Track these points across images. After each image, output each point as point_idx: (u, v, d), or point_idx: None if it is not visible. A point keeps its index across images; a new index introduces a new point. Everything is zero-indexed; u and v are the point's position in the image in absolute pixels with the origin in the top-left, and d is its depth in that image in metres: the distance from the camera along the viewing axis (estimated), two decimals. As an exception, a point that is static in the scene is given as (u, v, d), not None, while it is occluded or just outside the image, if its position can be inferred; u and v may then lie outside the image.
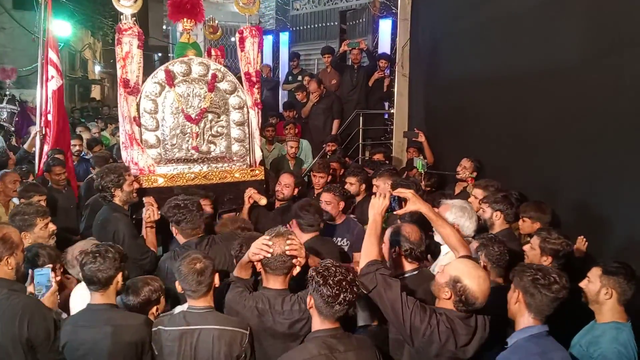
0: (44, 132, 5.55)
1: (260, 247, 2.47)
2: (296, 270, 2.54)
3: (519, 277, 2.34)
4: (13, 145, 7.49)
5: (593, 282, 2.54)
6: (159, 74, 4.04)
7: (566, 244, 3.08)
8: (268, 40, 10.39)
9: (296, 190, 4.42)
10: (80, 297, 2.73)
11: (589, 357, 2.46)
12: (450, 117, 6.18)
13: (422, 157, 5.93)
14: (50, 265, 2.70)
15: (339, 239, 3.86)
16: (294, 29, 10.32)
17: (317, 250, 3.01)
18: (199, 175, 4.17)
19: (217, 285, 2.50)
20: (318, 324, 2.22)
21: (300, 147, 6.68)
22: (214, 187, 4.16)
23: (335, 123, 7.71)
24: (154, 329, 2.44)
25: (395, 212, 2.78)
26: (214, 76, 4.17)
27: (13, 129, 8.65)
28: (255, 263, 2.54)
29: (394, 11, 7.86)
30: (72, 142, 6.40)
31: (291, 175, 4.51)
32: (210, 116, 4.20)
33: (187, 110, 4.10)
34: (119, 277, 2.46)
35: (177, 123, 4.10)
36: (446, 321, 2.22)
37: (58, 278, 2.78)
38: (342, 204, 3.96)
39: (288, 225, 3.36)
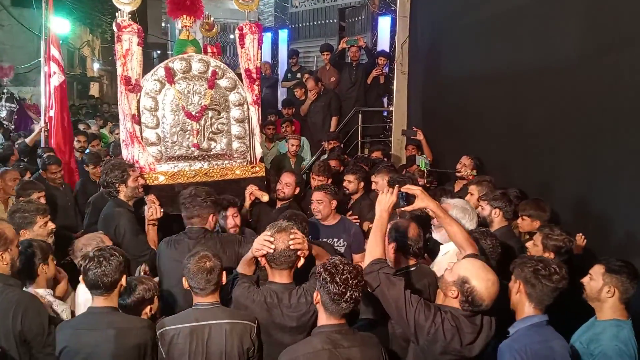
0: (47, 128, 5.59)
1: (263, 244, 2.48)
2: (300, 262, 2.57)
3: (519, 269, 2.38)
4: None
5: (595, 280, 2.54)
6: (159, 71, 4.04)
7: (568, 240, 3.11)
8: (267, 37, 10.36)
9: (297, 190, 4.37)
10: (86, 293, 2.70)
11: (589, 354, 2.47)
12: (449, 115, 6.18)
13: (424, 156, 5.93)
14: None
15: (335, 239, 3.81)
16: (293, 26, 10.30)
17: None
18: (199, 172, 4.17)
19: (224, 283, 2.52)
20: (324, 319, 2.24)
21: (301, 145, 6.67)
22: (214, 184, 4.15)
23: (334, 120, 7.71)
24: (158, 332, 2.43)
25: (403, 209, 2.77)
26: (214, 73, 4.17)
27: (13, 126, 8.63)
28: (259, 258, 2.55)
29: (393, 8, 7.85)
30: (77, 138, 6.44)
31: (292, 174, 4.48)
32: (210, 113, 4.20)
33: (188, 108, 4.09)
34: (123, 280, 2.43)
35: (177, 120, 4.10)
36: (451, 319, 2.21)
37: (51, 272, 2.80)
38: (334, 203, 3.89)
39: None
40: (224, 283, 2.51)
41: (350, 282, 2.15)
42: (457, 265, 2.31)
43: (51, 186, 4.84)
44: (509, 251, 3.17)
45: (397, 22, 7.53)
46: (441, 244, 3.21)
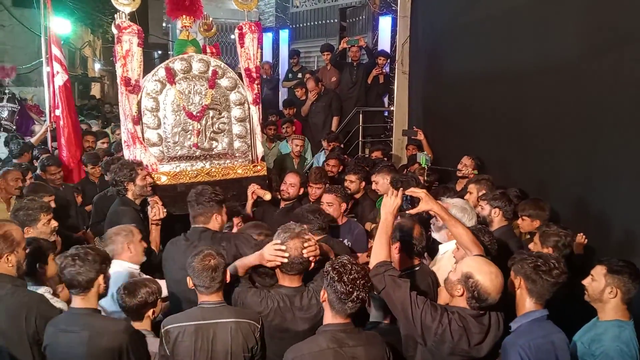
0: (53, 127, 5.61)
1: (276, 254, 2.48)
2: (311, 266, 2.58)
3: (519, 265, 2.40)
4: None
5: (597, 281, 2.55)
6: (160, 71, 4.04)
7: (565, 235, 3.11)
8: (268, 37, 10.38)
9: (302, 190, 4.34)
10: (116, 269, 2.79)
11: (590, 354, 2.48)
12: (450, 114, 6.18)
13: (425, 152, 5.94)
14: None
15: (341, 239, 3.82)
16: (294, 26, 10.31)
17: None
18: (201, 172, 4.18)
19: (227, 282, 2.52)
20: (329, 317, 2.25)
21: (305, 146, 6.65)
22: (216, 183, 4.16)
23: (335, 120, 7.71)
24: (163, 329, 2.42)
25: (407, 212, 2.79)
26: (215, 73, 4.17)
27: (14, 127, 8.64)
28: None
29: (393, 8, 7.86)
30: (85, 137, 6.50)
31: (297, 174, 4.45)
32: (211, 113, 4.21)
33: (189, 108, 4.11)
34: (100, 279, 2.41)
35: (178, 120, 4.10)
36: (459, 320, 2.22)
37: (52, 271, 2.80)
38: (343, 206, 3.90)
39: None
40: (228, 281, 2.51)
41: (358, 282, 2.16)
42: (459, 264, 2.34)
43: (49, 187, 4.84)
44: (509, 251, 3.16)
45: (397, 22, 7.54)
46: (440, 243, 3.22)
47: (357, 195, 4.61)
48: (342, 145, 6.75)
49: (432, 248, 3.28)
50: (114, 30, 3.94)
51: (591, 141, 3.95)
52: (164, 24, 19.21)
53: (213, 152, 4.26)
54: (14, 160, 5.52)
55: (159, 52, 18.81)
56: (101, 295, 2.49)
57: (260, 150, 4.46)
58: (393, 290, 2.30)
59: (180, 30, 4.45)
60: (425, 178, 5.24)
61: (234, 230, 3.54)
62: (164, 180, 4.04)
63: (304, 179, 4.48)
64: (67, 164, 5.66)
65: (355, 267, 2.21)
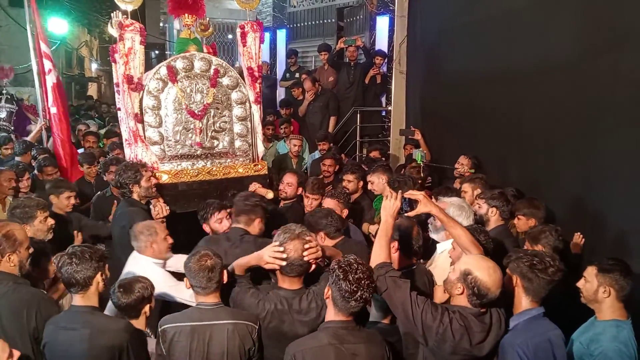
0: (48, 125, 5.61)
1: (274, 257, 2.46)
2: (312, 267, 2.57)
3: (515, 264, 2.41)
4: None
5: (590, 282, 2.55)
6: (162, 70, 4.05)
7: (549, 229, 3.13)
8: (265, 37, 10.38)
9: (299, 190, 4.34)
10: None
11: (589, 355, 2.48)
12: (447, 114, 6.20)
13: (421, 149, 5.96)
14: None
15: None
16: (291, 26, 10.31)
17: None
18: (202, 171, 4.19)
19: (225, 282, 2.51)
20: (332, 314, 2.26)
21: (303, 146, 6.65)
22: (218, 182, 4.18)
23: (332, 120, 7.73)
24: (160, 329, 2.43)
25: (406, 214, 2.81)
26: (217, 71, 4.18)
27: (12, 127, 8.62)
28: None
29: (391, 8, 7.87)
30: (86, 138, 6.56)
31: (294, 174, 4.47)
32: (213, 112, 4.21)
33: (190, 106, 4.11)
34: (99, 277, 2.42)
35: (180, 119, 4.11)
36: (459, 319, 2.23)
37: (52, 273, 2.84)
38: (345, 212, 3.79)
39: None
40: (225, 282, 2.51)
41: (363, 282, 2.18)
42: (458, 263, 2.37)
43: (73, 184, 4.83)
44: (505, 250, 3.18)
45: (395, 22, 7.56)
46: (438, 242, 3.25)
47: (355, 195, 4.60)
48: (332, 145, 6.68)
49: (430, 249, 3.30)
50: (110, 30, 3.95)
51: (588, 141, 3.98)
52: (161, 24, 19.17)
53: (214, 151, 4.27)
54: (17, 158, 5.53)
55: (156, 51, 18.77)
56: (101, 293, 2.49)
57: (261, 149, 4.48)
58: (394, 291, 2.32)
59: (178, 30, 4.46)
60: (421, 175, 5.25)
61: (223, 223, 3.51)
62: (165, 179, 4.04)
63: (301, 178, 4.49)
64: (64, 162, 5.66)
65: (362, 267, 2.22)
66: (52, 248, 3.72)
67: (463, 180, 4.42)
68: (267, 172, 4.46)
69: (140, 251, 3.10)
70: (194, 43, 4.31)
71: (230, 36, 11.72)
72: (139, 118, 3.97)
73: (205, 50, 4.57)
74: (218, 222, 3.52)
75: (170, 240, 3.19)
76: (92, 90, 19.19)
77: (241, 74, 4.43)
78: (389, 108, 7.90)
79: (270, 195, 4.12)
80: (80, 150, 6.37)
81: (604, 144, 3.82)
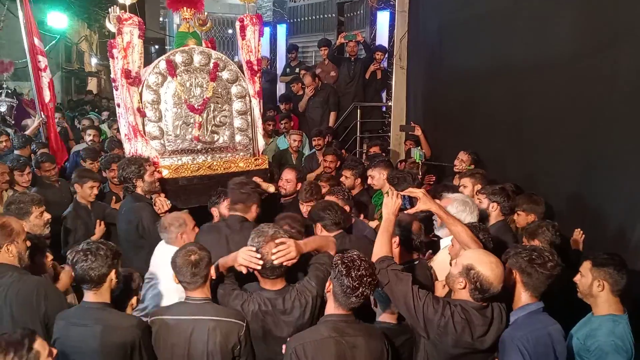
0: (45, 121, 5.68)
1: (249, 260, 2.42)
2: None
3: (514, 259, 2.42)
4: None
5: (585, 276, 2.57)
6: (161, 64, 4.03)
7: (546, 225, 3.13)
8: (265, 32, 10.35)
9: (299, 185, 4.29)
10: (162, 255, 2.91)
11: (586, 350, 2.49)
12: (447, 109, 6.19)
13: (419, 148, 5.95)
14: None
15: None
16: (292, 21, 10.28)
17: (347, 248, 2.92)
18: (203, 165, 4.18)
19: (213, 277, 2.49)
20: (332, 308, 2.28)
21: (303, 141, 6.64)
22: (218, 177, 4.17)
23: (332, 116, 7.71)
24: (152, 318, 2.44)
25: (406, 212, 2.82)
26: (216, 65, 4.16)
27: (13, 122, 8.63)
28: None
29: (391, 3, 7.85)
30: (88, 131, 6.64)
31: (293, 170, 4.44)
32: (213, 106, 4.20)
33: (190, 100, 4.10)
34: (112, 274, 2.40)
35: (180, 114, 4.09)
36: (461, 312, 2.24)
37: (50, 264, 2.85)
38: (346, 208, 3.65)
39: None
40: (213, 277, 2.48)
41: (365, 279, 2.19)
42: (460, 257, 2.37)
43: (45, 183, 4.83)
44: (504, 245, 3.18)
45: (395, 17, 7.53)
46: (441, 237, 3.24)
47: (353, 192, 4.56)
48: (332, 140, 6.65)
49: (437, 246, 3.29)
50: (108, 25, 3.93)
51: (588, 137, 3.97)
52: (160, 19, 19.13)
53: (214, 146, 4.25)
54: (16, 152, 5.54)
55: (156, 46, 18.73)
56: (113, 290, 2.47)
57: (261, 143, 4.46)
58: (396, 284, 2.33)
59: (178, 24, 4.44)
60: (419, 172, 5.24)
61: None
62: (165, 174, 4.03)
63: (300, 174, 4.47)
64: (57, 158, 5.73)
65: (365, 263, 2.23)
66: (73, 239, 3.80)
67: (462, 175, 4.41)
68: (268, 167, 4.44)
69: (170, 242, 3.14)
70: (193, 37, 4.29)
71: (230, 31, 11.68)
72: (142, 112, 3.95)
73: (204, 44, 4.56)
74: (227, 208, 3.51)
75: (197, 230, 3.24)
76: (92, 84, 19.15)
77: (241, 68, 4.41)
78: (390, 103, 7.88)
79: (271, 189, 4.08)
80: (83, 145, 6.39)
81: (604, 140, 3.82)
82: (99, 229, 4.02)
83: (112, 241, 2.69)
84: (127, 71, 3.85)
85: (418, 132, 6.31)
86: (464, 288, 2.28)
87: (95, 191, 4.19)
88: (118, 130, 5.50)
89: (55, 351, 1.87)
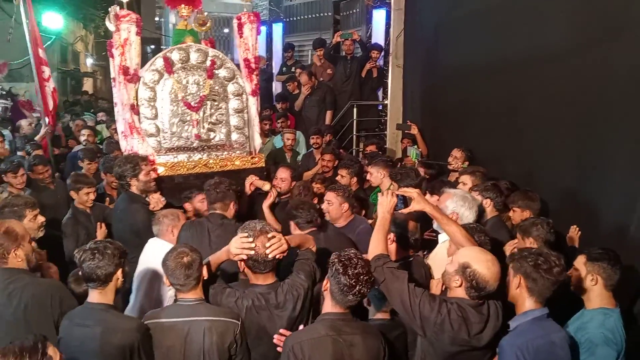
0: (51, 130, 5.79)
1: (242, 247, 2.44)
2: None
3: (519, 263, 2.32)
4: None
5: (579, 270, 2.58)
6: (158, 61, 4.03)
7: (541, 222, 3.10)
8: (262, 31, 10.35)
9: (294, 184, 4.28)
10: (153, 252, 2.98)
11: (576, 342, 2.47)
12: (444, 107, 6.19)
13: (416, 147, 5.96)
14: None
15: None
16: (288, 19, 10.28)
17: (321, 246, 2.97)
18: (199, 163, 4.18)
19: (205, 278, 2.48)
20: (329, 307, 2.29)
21: (297, 139, 6.66)
22: (214, 175, 4.16)
23: (329, 114, 7.70)
24: (147, 322, 2.42)
25: (400, 211, 2.83)
26: (213, 62, 4.16)
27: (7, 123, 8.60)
28: (239, 263, 2.52)
29: (387, 1, 7.86)
30: (82, 131, 6.63)
31: (287, 169, 4.41)
32: (209, 104, 4.20)
33: (187, 98, 4.10)
34: (119, 273, 2.41)
35: (176, 111, 4.10)
36: (457, 309, 2.24)
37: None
38: (345, 206, 3.64)
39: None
40: (205, 278, 2.48)
41: (362, 277, 2.21)
42: (456, 255, 2.36)
43: (40, 186, 4.80)
44: (499, 241, 3.19)
45: (391, 15, 7.53)
46: (439, 232, 3.24)
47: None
48: (331, 138, 6.65)
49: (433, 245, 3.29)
50: (108, 25, 3.91)
51: (585, 133, 3.97)
52: (156, 18, 19.10)
53: (211, 144, 4.26)
54: (19, 153, 5.57)
55: (152, 46, 18.69)
56: (118, 290, 2.49)
57: (258, 141, 4.46)
58: (392, 282, 2.33)
59: (174, 24, 4.44)
60: (425, 170, 5.24)
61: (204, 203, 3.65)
62: (161, 171, 4.03)
63: (295, 172, 4.46)
64: None
65: (361, 262, 2.25)
66: (75, 245, 3.74)
67: (463, 172, 4.41)
68: (264, 165, 4.44)
69: (160, 234, 3.22)
70: (191, 34, 4.29)
71: (226, 30, 11.68)
72: (136, 109, 3.94)
73: (203, 43, 4.55)
74: (201, 202, 3.67)
75: None
76: (88, 85, 19.07)
77: (238, 66, 4.41)
78: (386, 102, 7.88)
79: (267, 187, 4.07)
80: (79, 147, 6.39)
81: (600, 136, 3.82)
82: (101, 231, 3.97)
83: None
84: (125, 68, 3.84)
85: (414, 130, 6.31)
86: (460, 286, 2.27)
87: (92, 196, 4.14)
88: (117, 131, 5.51)
89: (62, 356, 1.88)
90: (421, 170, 5.07)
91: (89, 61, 19.61)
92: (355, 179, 4.66)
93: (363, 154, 6.97)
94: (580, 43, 4.03)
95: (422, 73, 6.82)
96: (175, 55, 4.05)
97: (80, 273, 2.54)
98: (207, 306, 2.45)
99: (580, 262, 2.59)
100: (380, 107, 8.33)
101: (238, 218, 3.97)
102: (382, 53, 7.95)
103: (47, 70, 5.88)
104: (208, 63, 4.14)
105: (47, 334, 2.32)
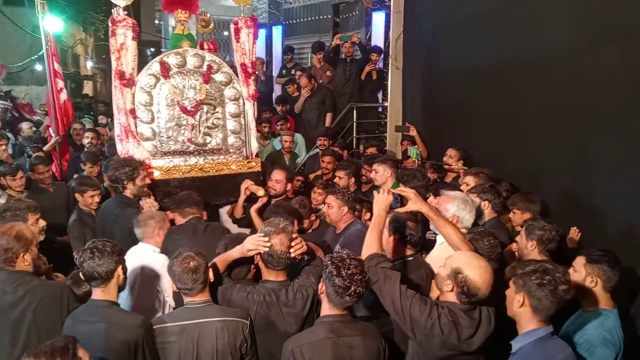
0: (61, 140, 5.78)
1: (257, 243, 2.51)
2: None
3: (522, 280, 2.18)
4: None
5: (578, 271, 2.56)
6: (154, 65, 4.03)
7: (550, 229, 3.00)
8: (261, 34, 10.35)
9: (288, 186, 4.29)
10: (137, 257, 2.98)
11: (575, 343, 2.46)
12: (444, 109, 6.19)
13: (416, 147, 5.96)
14: None
15: (338, 247, 3.51)
16: (287, 22, 10.30)
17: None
18: (195, 167, 4.17)
19: (211, 280, 2.50)
20: (327, 309, 2.28)
21: (295, 141, 6.66)
22: (210, 179, 4.17)
23: (329, 117, 7.71)
24: (155, 327, 2.43)
25: (396, 210, 2.82)
26: (210, 67, 4.16)
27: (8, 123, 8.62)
28: (255, 257, 2.58)
29: (387, 4, 7.86)
30: (85, 134, 6.63)
31: (282, 170, 4.37)
32: (206, 108, 4.20)
33: (183, 102, 4.09)
34: (120, 270, 2.45)
35: (172, 115, 4.09)
36: (448, 314, 2.20)
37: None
38: (344, 209, 3.60)
39: None
40: (211, 280, 2.50)
41: (356, 277, 2.20)
42: (449, 259, 2.32)
43: (39, 188, 4.79)
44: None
45: (391, 18, 7.53)
46: (438, 234, 3.22)
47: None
48: (331, 141, 6.61)
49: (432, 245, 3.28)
50: (109, 24, 3.92)
51: (584, 134, 3.96)
52: (156, 21, 19.13)
53: (207, 148, 4.25)
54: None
55: (152, 49, 18.71)
56: (120, 287, 2.52)
57: (254, 146, 4.45)
58: (384, 282, 2.32)
59: (173, 27, 4.44)
60: (431, 173, 5.23)
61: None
62: (156, 175, 4.03)
63: (290, 174, 4.42)
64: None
65: (354, 262, 2.24)
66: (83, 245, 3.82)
67: (467, 173, 4.40)
68: (260, 170, 4.43)
69: (145, 237, 3.19)
70: (188, 39, 4.29)
71: (226, 33, 11.69)
72: (134, 113, 3.94)
73: (206, 46, 4.55)
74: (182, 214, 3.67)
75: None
76: (88, 88, 19.10)
77: (234, 69, 4.41)
78: (386, 104, 7.87)
79: (261, 192, 4.06)
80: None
81: (600, 138, 3.81)
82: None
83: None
84: (121, 72, 3.85)
85: (413, 132, 6.31)
86: (452, 291, 2.24)
87: (97, 199, 4.13)
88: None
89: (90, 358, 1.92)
90: (432, 175, 5.07)
91: (89, 64, 19.64)
92: (353, 179, 4.65)
93: (364, 156, 6.96)
94: (580, 44, 4.03)
95: (422, 75, 6.82)
96: (172, 60, 4.06)
97: (80, 274, 2.59)
98: (216, 307, 2.48)
99: (579, 263, 2.58)
100: (380, 110, 8.33)
101: (232, 221, 4.00)
102: (382, 55, 7.95)
103: (60, 83, 5.98)
104: (205, 68, 4.14)
105: (55, 334, 2.39)
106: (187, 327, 2.37)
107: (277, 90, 9.42)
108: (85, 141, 6.52)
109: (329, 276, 2.21)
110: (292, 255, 2.52)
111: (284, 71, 9.12)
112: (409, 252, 2.86)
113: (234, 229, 4.05)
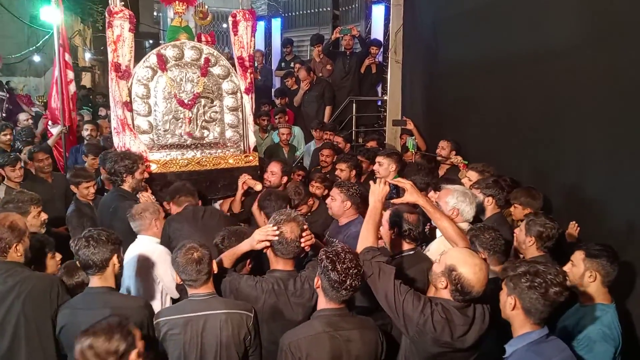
0: (67, 131, 5.80)
1: (267, 234, 2.53)
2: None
3: (513, 283, 2.12)
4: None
5: (577, 266, 2.57)
6: (151, 58, 4.00)
7: (551, 227, 3.01)
8: (260, 26, 10.30)
9: (284, 178, 4.26)
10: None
11: (573, 338, 2.48)
12: (443, 103, 6.18)
13: (413, 137, 5.96)
14: None
15: (335, 240, 3.46)
16: (286, 15, 10.24)
17: None
18: (192, 161, 4.15)
19: (215, 272, 2.51)
20: (323, 303, 2.28)
21: (293, 134, 6.64)
22: (207, 173, 4.15)
23: (328, 110, 7.69)
24: (160, 319, 2.43)
25: (392, 201, 2.80)
26: (207, 60, 4.13)
27: (5, 115, 8.56)
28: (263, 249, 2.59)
29: (386, -4, 7.81)
30: (85, 126, 6.62)
31: (278, 163, 4.38)
32: (203, 101, 4.18)
33: (180, 95, 4.07)
34: (115, 259, 2.48)
35: (169, 108, 4.07)
36: (442, 311, 2.19)
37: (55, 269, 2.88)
38: (347, 204, 3.51)
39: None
40: (215, 272, 2.50)
41: (351, 271, 2.19)
42: (444, 255, 2.30)
43: (38, 178, 4.78)
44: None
45: (391, 11, 7.50)
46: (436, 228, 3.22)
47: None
48: (332, 137, 6.60)
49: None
50: (106, 15, 3.89)
51: (584, 130, 3.96)
52: (154, 13, 19.00)
53: (204, 141, 4.23)
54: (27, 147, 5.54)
55: (150, 41, 18.61)
56: (116, 275, 2.54)
57: (252, 140, 4.43)
58: (379, 276, 2.31)
59: (172, 19, 4.40)
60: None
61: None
62: (153, 168, 4.01)
63: (286, 167, 4.41)
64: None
65: (349, 255, 2.22)
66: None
67: (470, 167, 4.40)
68: (257, 164, 4.41)
69: (143, 230, 3.18)
70: (185, 31, 4.26)
71: (225, 25, 11.62)
72: (129, 106, 3.92)
73: (204, 39, 4.52)
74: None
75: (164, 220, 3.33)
76: (86, 79, 18.99)
77: (232, 61, 4.39)
78: (385, 97, 7.86)
79: (258, 187, 4.06)
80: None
81: (601, 133, 3.80)
82: None
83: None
84: (117, 64, 3.83)
85: (410, 125, 6.31)
86: (445, 288, 2.22)
87: (92, 190, 4.15)
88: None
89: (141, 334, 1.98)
90: (443, 168, 5.06)
91: (87, 56, 19.52)
92: (354, 172, 4.65)
93: (360, 150, 6.94)
94: (581, 40, 4.01)
95: (421, 69, 6.79)
96: (169, 52, 4.03)
97: (77, 263, 2.61)
98: (220, 299, 2.49)
99: (578, 257, 2.58)
100: (379, 103, 8.31)
101: (230, 216, 4.00)
102: (381, 49, 7.92)
103: (70, 74, 6.05)
104: (202, 61, 4.11)
105: (44, 326, 2.46)
106: (192, 319, 2.38)
107: (277, 83, 9.38)
108: (85, 133, 6.51)
109: (324, 270, 2.20)
110: (303, 245, 2.53)
111: (283, 64, 9.08)
112: (409, 246, 2.84)
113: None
